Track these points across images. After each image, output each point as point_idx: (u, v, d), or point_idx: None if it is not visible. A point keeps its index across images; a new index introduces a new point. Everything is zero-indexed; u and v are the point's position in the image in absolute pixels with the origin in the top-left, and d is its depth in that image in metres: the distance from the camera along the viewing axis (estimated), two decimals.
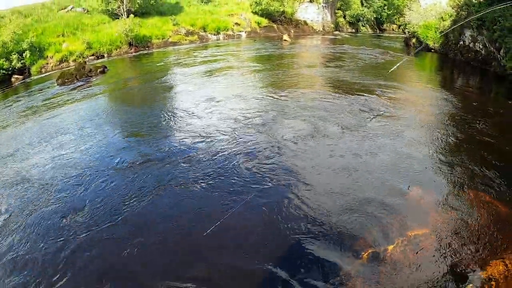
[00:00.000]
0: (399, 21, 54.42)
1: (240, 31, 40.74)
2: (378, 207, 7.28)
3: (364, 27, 54.99)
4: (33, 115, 16.01)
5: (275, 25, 43.49)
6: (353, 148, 9.86)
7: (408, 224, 6.75)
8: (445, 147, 9.91)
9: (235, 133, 11.19)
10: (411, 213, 7.09)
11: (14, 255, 6.61)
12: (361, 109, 12.89)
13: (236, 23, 41.27)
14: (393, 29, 58.58)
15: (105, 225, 7.18)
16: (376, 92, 14.96)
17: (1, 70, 26.37)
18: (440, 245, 6.21)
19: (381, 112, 12.54)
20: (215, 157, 9.71)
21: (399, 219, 6.92)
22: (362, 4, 55.12)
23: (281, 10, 43.47)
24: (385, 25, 59.69)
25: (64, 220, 7.47)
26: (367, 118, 12.01)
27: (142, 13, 37.63)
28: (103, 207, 7.80)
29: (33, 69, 28.05)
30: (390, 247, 6.21)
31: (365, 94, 14.69)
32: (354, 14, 51.90)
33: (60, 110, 16.38)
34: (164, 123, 12.87)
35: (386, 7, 57.38)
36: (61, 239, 6.87)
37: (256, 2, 42.44)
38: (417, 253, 6.09)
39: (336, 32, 45.68)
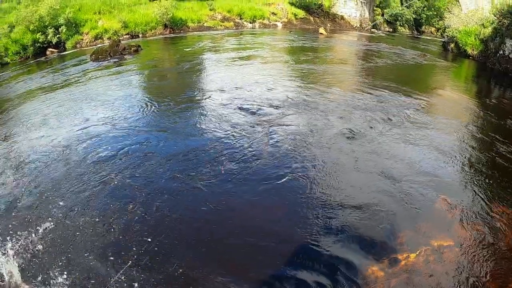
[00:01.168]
0: (438, 24, 53.06)
1: (276, 21, 40.37)
2: (404, 212, 7.08)
3: (402, 27, 53.94)
4: (63, 87, 16.50)
5: (311, 18, 42.94)
6: (381, 152, 9.60)
7: (433, 234, 6.52)
8: (477, 161, 9.47)
9: (258, 123, 11.07)
10: (437, 223, 6.85)
11: None
12: (391, 112, 12.47)
13: (273, 13, 40.91)
14: (431, 32, 57.02)
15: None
16: (410, 95, 14.45)
17: (37, 43, 26.91)
18: (464, 260, 5.97)
19: (413, 117, 12.11)
20: (234, 146, 9.63)
21: (425, 226, 6.70)
22: (402, 4, 53.94)
23: (319, 2, 42.86)
24: (423, 27, 58.27)
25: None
26: (397, 122, 11.63)
27: None
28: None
29: (68, 44, 28.49)
30: (413, 255, 6.00)
31: (396, 96, 14.25)
32: (392, 13, 50.91)
33: (90, 83, 16.84)
34: (190, 106, 12.93)
35: (426, 8, 55.98)
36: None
37: None
38: (439, 264, 5.87)
39: (373, 30, 44.90)
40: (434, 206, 7.37)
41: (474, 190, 7.98)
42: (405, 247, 6.19)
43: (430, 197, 7.60)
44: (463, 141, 10.60)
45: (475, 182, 8.32)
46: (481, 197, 7.73)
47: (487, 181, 8.41)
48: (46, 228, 6.65)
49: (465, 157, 9.55)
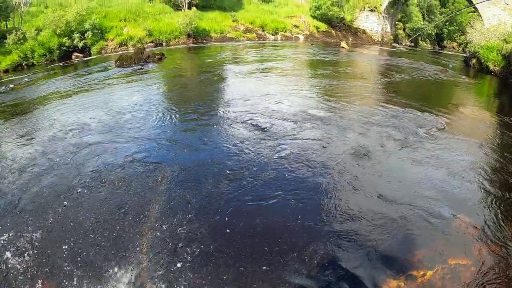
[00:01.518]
0: (460, 39, 52.67)
1: (298, 34, 40.64)
2: (422, 229, 7.07)
3: (423, 42, 53.74)
4: (87, 91, 17.00)
5: (333, 31, 43.11)
6: (400, 169, 9.62)
7: (451, 252, 6.50)
8: (496, 182, 9.35)
9: (270, 138, 11.14)
10: (455, 241, 6.82)
11: None
12: (409, 130, 12.38)
13: (295, 25, 41.20)
14: (453, 47, 56.59)
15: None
16: (429, 112, 14.29)
17: (63, 47, 27.62)
18: (480, 279, 5.96)
19: (432, 136, 12.01)
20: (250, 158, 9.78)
21: (442, 244, 6.70)
22: (424, 18, 53.76)
23: (341, 16, 42.97)
24: (445, 42, 57.91)
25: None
26: (415, 140, 11.54)
27: (203, 6, 38.17)
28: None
29: (93, 49, 29.19)
30: (429, 273, 6.03)
31: (415, 113, 14.11)
32: (414, 28, 50.72)
33: (113, 89, 17.29)
34: (206, 118, 13.00)
35: (448, 23, 55.61)
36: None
37: (316, 6, 42.10)
38: (455, 283, 5.87)
39: (395, 44, 44.76)
40: (452, 225, 7.35)
41: (492, 211, 7.93)
42: (421, 264, 6.20)
43: (448, 216, 7.57)
44: (483, 161, 10.47)
45: (493, 203, 8.27)
46: (499, 218, 7.68)
47: (505, 202, 8.37)
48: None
49: (483, 178, 9.44)
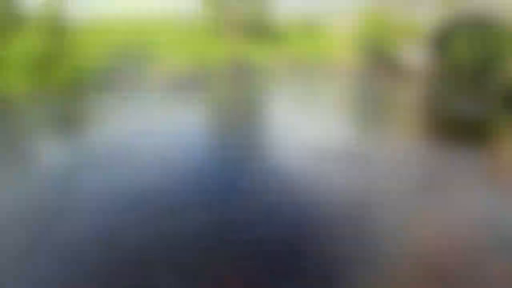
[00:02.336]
0: (503, 72, 51.62)
1: (342, 66, 41.02)
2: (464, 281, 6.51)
3: (466, 75, 52.89)
4: None
5: (378, 66, 43.19)
6: (446, 212, 9.03)
7: None
8: None
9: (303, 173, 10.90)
10: None
11: None
12: (458, 169, 11.82)
13: (340, 59, 41.66)
14: (498, 79, 55.63)
15: None
16: (469, 152, 13.71)
17: None
18: None
19: (479, 178, 11.38)
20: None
21: None
22: (469, 51, 53.10)
23: (382, 51, 43.15)
24: (488, 75, 56.82)
25: None
26: (460, 183, 10.95)
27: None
28: None
29: None
30: None
31: (456, 154, 13.51)
32: (458, 61, 50.09)
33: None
34: (246, 144, 12.91)
35: (492, 55, 54.66)
36: None
37: (360, 40, 42.58)
38: None
39: (439, 78, 44.33)
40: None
41: None
42: None
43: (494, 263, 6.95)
44: None
45: None
46: None
47: None
48: None
49: None
